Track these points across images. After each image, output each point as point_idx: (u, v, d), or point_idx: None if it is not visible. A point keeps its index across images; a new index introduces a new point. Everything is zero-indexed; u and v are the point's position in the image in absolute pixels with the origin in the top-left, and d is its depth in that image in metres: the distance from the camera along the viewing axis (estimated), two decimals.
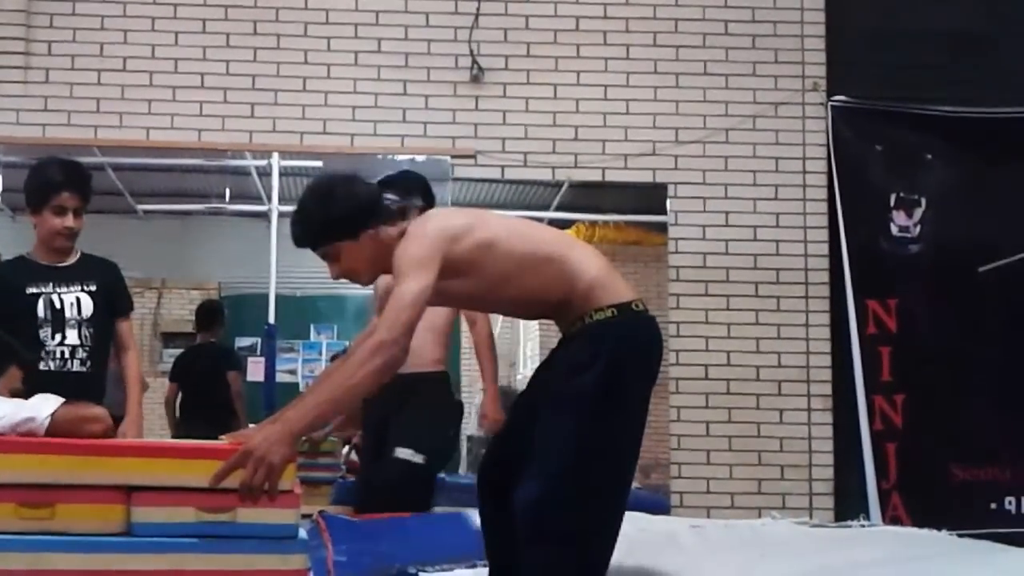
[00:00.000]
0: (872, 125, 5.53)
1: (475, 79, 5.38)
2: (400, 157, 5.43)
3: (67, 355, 3.60)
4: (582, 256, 2.71)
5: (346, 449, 6.07)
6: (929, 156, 5.59)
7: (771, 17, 5.52)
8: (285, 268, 5.54)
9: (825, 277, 5.44)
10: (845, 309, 5.39)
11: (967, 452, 5.39)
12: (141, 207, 6.68)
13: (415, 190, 3.90)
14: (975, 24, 5.57)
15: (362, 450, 4.54)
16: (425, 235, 2.61)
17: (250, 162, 5.96)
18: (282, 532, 2.40)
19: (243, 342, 6.83)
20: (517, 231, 2.74)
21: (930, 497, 5.26)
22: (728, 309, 5.40)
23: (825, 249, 5.45)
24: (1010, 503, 5.39)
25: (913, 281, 5.49)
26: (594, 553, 2.58)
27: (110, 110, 5.25)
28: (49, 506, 2.33)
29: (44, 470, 2.35)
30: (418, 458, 4.12)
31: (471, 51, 5.37)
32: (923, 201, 5.53)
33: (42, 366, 3.55)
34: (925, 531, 3.88)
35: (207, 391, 6.13)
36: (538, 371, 2.86)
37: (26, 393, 2.74)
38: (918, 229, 5.52)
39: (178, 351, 6.96)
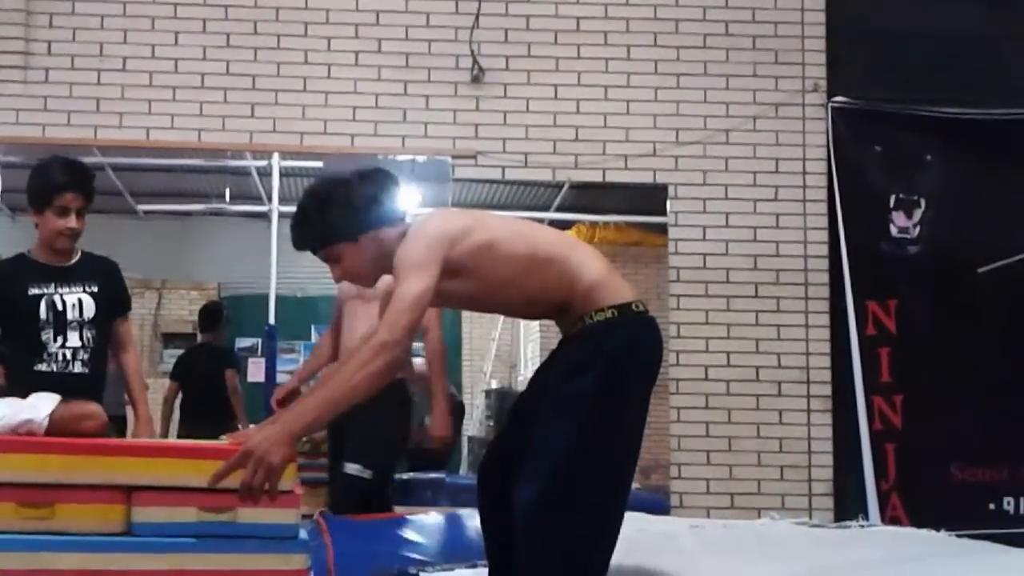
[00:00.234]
0: (872, 126, 5.54)
1: (476, 79, 5.38)
2: (401, 158, 5.43)
3: (69, 357, 3.58)
4: (583, 257, 2.70)
5: None
6: (929, 157, 5.59)
7: (771, 18, 5.52)
8: (285, 269, 5.54)
9: (825, 278, 5.44)
10: (844, 310, 5.40)
11: (966, 453, 5.39)
12: (141, 207, 6.69)
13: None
14: (975, 25, 5.57)
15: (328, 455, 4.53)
16: (426, 237, 2.61)
17: (250, 162, 5.96)
18: (283, 532, 2.41)
19: (243, 343, 6.84)
20: (518, 232, 2.74)
21: (929, 497, 5.26)
22: (728, 310, 5.40)
23: (825, 250, 5.46)
24: (1009, 503, 5.40)
25: (912, 282, 5.49)
26: (593, 554, 2.58)
27: (110, 110, 5.25)
28: (49, 506, 2.33)
29: (44, 470, 2.35)
30: (366, 473, 4.14)
31: (472, 51, 5.37)
32: (923, 202, 5.54)
33: (44, 368, 3.53)
34: (924, 531, 3.88)
35: (207, 391, 6.14)
36: (538, 371, 2.86)
37: (11, 391, 2.75)
38: (917, 230, 5.52)
39: (178, 352, 6.98)
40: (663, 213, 5.51)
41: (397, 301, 2.51)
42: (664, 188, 5.47)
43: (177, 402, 6.29)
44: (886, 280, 5.48)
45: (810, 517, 4.64)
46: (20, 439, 2.45)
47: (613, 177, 5.45)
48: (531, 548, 2.53)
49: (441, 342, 4.40)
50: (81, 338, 3.61)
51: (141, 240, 6.67)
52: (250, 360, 6.44)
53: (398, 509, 4.50)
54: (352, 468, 4.16)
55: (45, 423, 2.50)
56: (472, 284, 2.65)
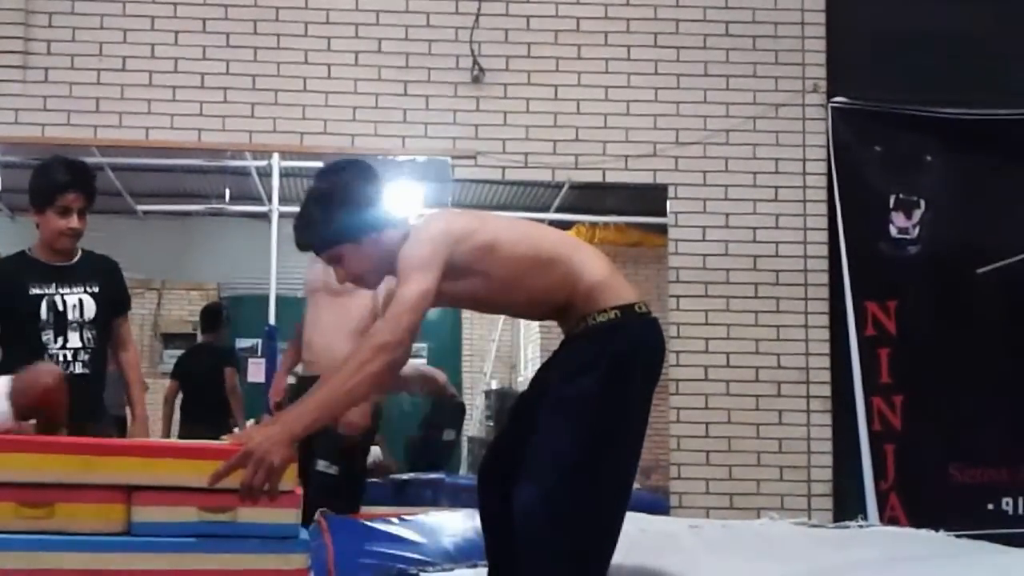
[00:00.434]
0: (872, 126, 5.54)
1: (476, 80, 5.38)
2: (401, 158, 5.43)
3: (69, 358, 3.57)
4: (586, 258, 2.71)
5: None
6: (929, 158, 5.59)
7: (771, 18, 5.53)
8: (285, 269, 5.54)
9: (824, 278, 5.44)
10: (844, 310, 5.40)
11: (965, 453, 5.39)
12: (141, 208, 6.69)
13: None
14: (975, 26, 5.57)
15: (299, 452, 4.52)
16: (428, 237, 2.61)
17: (250, 162, 5.96)
18: (283, 532, 2.40)
19: (244, 343, 6.83)
20: (521, 233, 2.74)
21: (928, 498, 5.27)
22: (728, 310, 5.41)
23: (825, 250, 5.46)
24: (1007, 504, 5.40)
25: (912, 283, 5.49)
26: (594, 555, 2.58)
27: (109, 110, 5.25)
28: (49, 506, 2.32)
29: (44, 470, 2.35)
30: (332, 469, 4.14)
31: (472, 52, 5.37)
32: (922, 203, 5.54)
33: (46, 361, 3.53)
34: (923, 532, 3.88)
35: (207, 390, 6.15)
36: (540, 371, 2.86)
37: None
38: (917, 231, 5.52)
39: (178, 352, 6.98)
40: (663, 214, 5.51)
41: (398, 302, 2.50)
42: (664, 188, 5.48)
43: (177, 402, 6.29)
44: (886, 281, 5.48)
45: (809, 517, 4.65)
46: (20, 439, 2.45)
47: (613, 177, 5.46)
48: (531, 549, 2.53)
49: None
50: (82, 339, 3.61)
51: (141, 240, 6.66)
52: (250, 360, 6.43)
53: (397, 509, 4.50)
54: (321, 464, 4.19)
55: (6, 407, 2.50)
56: (475, 285, 2.65)
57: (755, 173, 5.49)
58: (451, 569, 3.30)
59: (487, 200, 5.82)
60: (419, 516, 4.00)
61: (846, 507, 5.09)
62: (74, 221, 3.59)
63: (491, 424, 7.51)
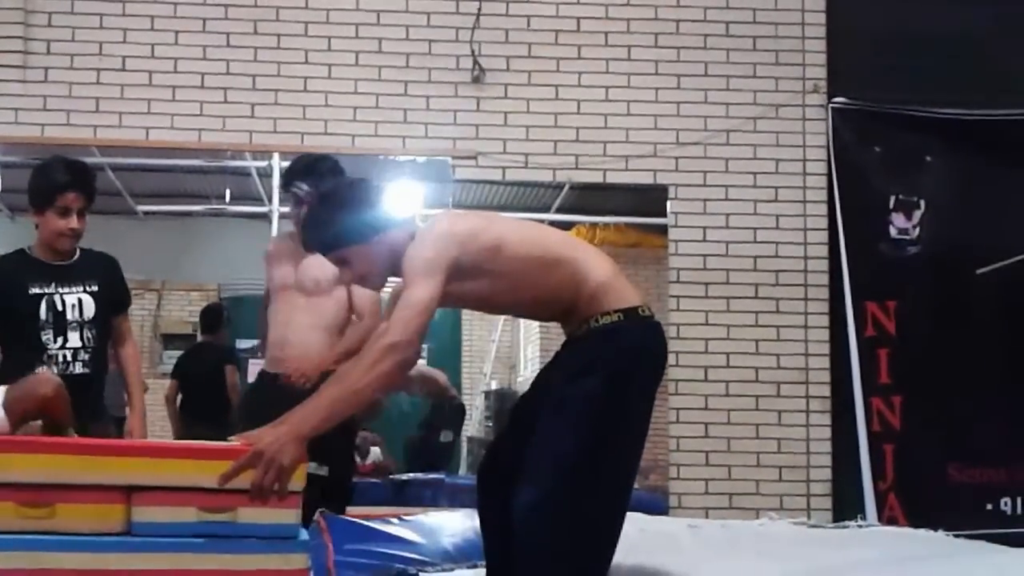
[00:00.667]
0: (872, 127, 5.54)
1: (476, 80, 5.38)
2: (401, 158, 5.44)
3: (69, 358, 3.57)
4: (591, 260, 2.71)
5: None
6: (929, 158, 5.59)
7: (772, 19, 5.53)
8: None
9: (824, 279, 5.45)
10: (844, 311, 5.40)
11: (964, 453, 5.39)
12: (141, 208, 6.69)
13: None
14: (975, 26, 5.57)
15: None
16: (434, 239, 2.62)
17: (250, 163, 5.96)
18: (283, 532, 2.41)
19: (244, 344, 6.83)
20: (526, 234, 2.75)
21: (927, 498, 5.27)
22: (728, 311, 5.41)
23: (825, 251, 5.46)
24: (1006, 504, 5.40)
25: (912, 283, 5.49)
26: (593, 556, 2.58)
27: (109, 110, 5.25)
28: (49, 506, 2.33)
29: (44, 470, 2.35)
30: (322, 470, 4.11)
31: (472, 52, 5.37)
32: (922, 203, 5.54)
33: (44, 370, 3.53)
34: (922, 531, 3.89)
35: (207, 390, 6.15)
36: (541, 373, 2.86)
37: None
38: (917, 231, 5.53)
39: (178, 352, 6.97)
40: (663, 214, 5.51)
41: (406, 303, 2.51)
42: (664, 189, 5.48)
43: (177, 400, 6.29)
44: (885, 281, 5.48)
45: (808, 517, 4.65)
46: (20, 439, 2.46)
47: (614, 178, 5.46)
48: (531, 550, 2.54)
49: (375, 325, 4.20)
50: (81, 338, 3.61)
51: (141, 241, 6.65)
52: (251, 361, 6.42)
53: (397, 509, 4.50)
54: (310, 466, 4.16)
55: (1, 414, 2.50)
56: (482, 285, 2.66)
57: (755, 173, 5.49)
58: (450, 569, 3.31)
59: (487, 200, 5.82)
60: (419, 516, 4.01)
61: (845, 507, 5.09)
62: (74, 221, 3.59)
63: (491, 425, 7.51)
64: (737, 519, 4.40)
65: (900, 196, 5.54)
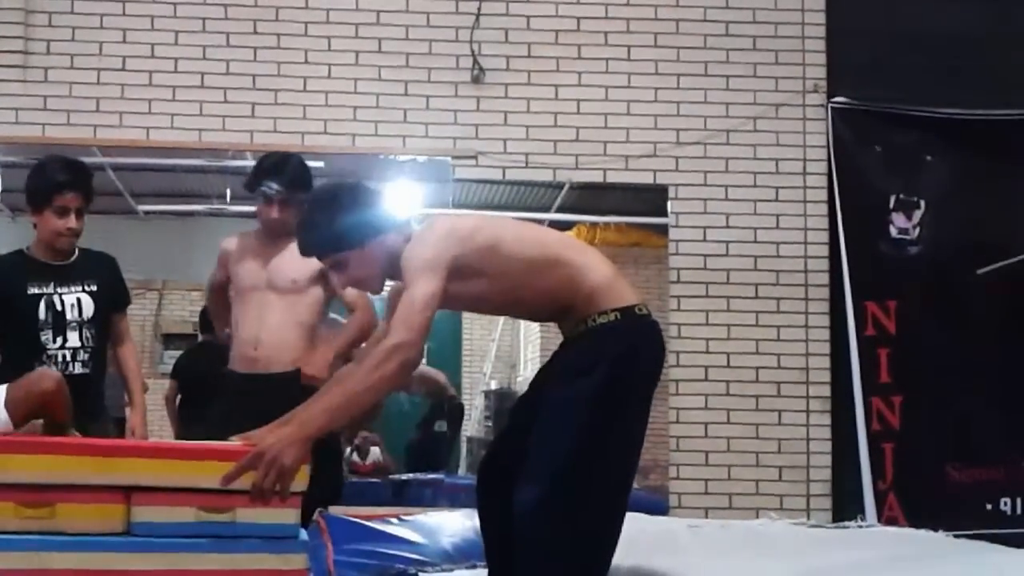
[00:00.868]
0: (872, 126, 5.54)
1: (476, 80, 5.38)
2: (401, 158, 5.43)
3: (68, 358, 3.58)
4: (589, 260, 2.72)
5: (348, 450, 6.09)
6: (929, 158, 5.59)
7: (772, 18, 5.53)
8: None
9: (825, 279, 5.45)
10: (844, 311, 5.40)
11: (964, 453, 5.39)
12: (141, 208, 6.67)
13: (301, 184, 3.90)
14: (975, 26, 5.57)
15: None
16: (433, 239, 2.63)
17: (251, 163, 5.91)
18: (282, 532, 2.41)
19: None
20: (524, 234, 2.76)
21: (926, 498, 5.27)
22: (728, 311, 5.41)
23: (825, 251, 5.46)
24: (1005, 504, 5.40)
25: (912, 283, 5.49)
26: (594, 557, 2.58)
27: (110, 109, 5.25)
28: (49, 506, 2.33)
29: (44, 470, 2.35)
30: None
31: (472, 51, 5.37)
32: (922, 203, 5.54)
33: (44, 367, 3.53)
34: (921, 532, 3.89)
35: (208, 390, 6.13)
36: (540, 373, 2.87)
37: None
38: (917, 231, 5.53)
39: (179, 352, 6.96)
40: (664, 214, 5.51)
41: (408, 304, 2.51)
42: (664, 189, 5.48)
43: (177, 400, 6.28)
44: (885, 281, 5.48)
45: (808, 517, 4.66)
46: (20, 439, 2.46)
47: (614, 178, 5.46)
48: (531, 550, 2.54)
49: (371, 325, 4.06)
50: (81, 338, 3.61)
51: (141, 240, 6.64)
52: None
53: (397, 509, 4.50)
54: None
55: (4, 415, 2.50)
56: (480, 286, 2.66)
57: (755, 173, 5.49)
58: (450, 570, 3.31)
59: (488, 200, 5.81)
60: (418, 516, 4.01)
61: (845, 507, 5.09)
62: (72, 221, 3.58)
63: (490, 425, 7.50)
64: (737, 519, 4.40)
65: (900, 196, 5.54)
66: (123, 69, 5.29)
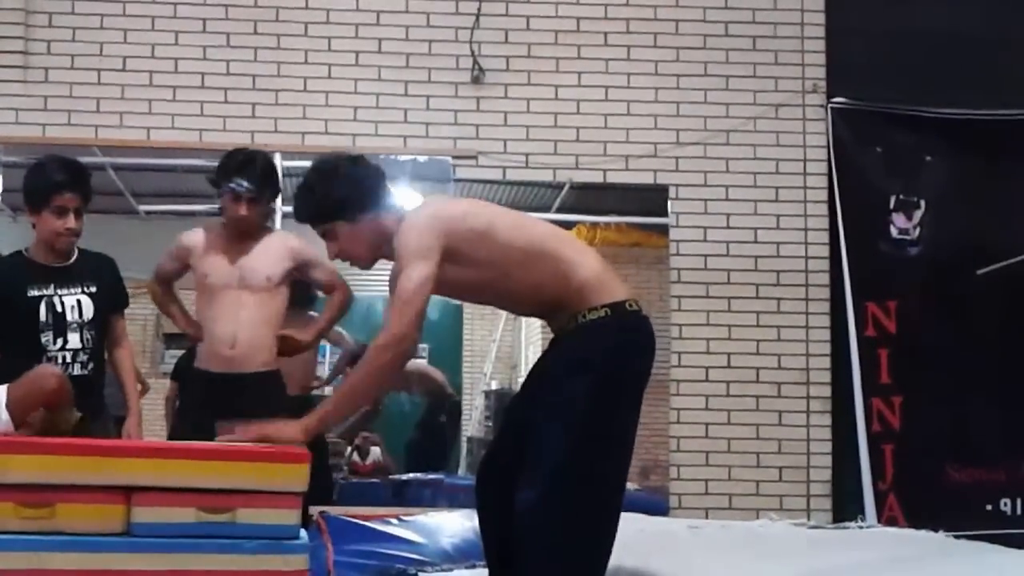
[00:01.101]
0: (872, 127, 5.54)
1: (476, 80, 5.39)
2: (402, 158, 5.43)
3: (69, 359, 3.56)
4: (578, 255, 2.71)
5: (348, 450, 6.09)
6: (929, 158, 5.59)
7: (771, 19, 5.53)
8: None
9: (825, 279, 5.45)
10: (844, 311, 5.40)
11: (963, 454, 5.39)
12: (142, 208, 6.68)
13: (269, 182, 3.93)
14: (975, 26, 5.57)
15: None
16: (425, 223, 2.64)
17: None
18: (282, 532, 2.41)
19: None
20: (515, 223, 2.76)
21: (927, 498, 5.27)
22: (729, 311, 5.41)
23: (825, 251, 5.46)
24: (1005, 504, 5.40)
25: (912, 283, 5.49)
26: (593, 555, 2.58)
27: (110, 110, 5.25)
28: (49, 506, 2.33)
29: (44, 470, 2.36)
30: None
31: (472, 52, 5.38)
32: (922, 203, 5.54)
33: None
34: (921, 532, 3.89)
35: None
36: (532, 371, 2.86)
37: None
38: (917, 231, 5.53)
39: (180, 352, 6.96)
40: (664, 214, 5.51)
41: (400, 291, 2.54)
42: (665, 189, 5.48)
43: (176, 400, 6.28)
44: (886, 281, 5.48)
45: (808, 518, 4.66)
46: (20, 440, 2.46)
47: (614, 178, 5.46)
48: (534, 550, 2.54)
49: (348, 303, 4.16)
50: (81, 339, 3.60)
51: (142, 241, 6.63)
52: None
53: (396, 510, 4.50)
54: None
55: (6, 416, 2.51)
56: (467, 272, 2.66)
57: (755, 174, 5.49)
58: (450, 570, 3.32)
59: (488, 200, 5.81)
60: (418, 516, 4.01)
61: (845, 508, 5.09)
62: (71, 221, 3.56)
63: (490, 425, 7.50)
64: (737, 520, 4.40)
65: (900, 196, 5.54)
66: (124, 69, 5.29)
